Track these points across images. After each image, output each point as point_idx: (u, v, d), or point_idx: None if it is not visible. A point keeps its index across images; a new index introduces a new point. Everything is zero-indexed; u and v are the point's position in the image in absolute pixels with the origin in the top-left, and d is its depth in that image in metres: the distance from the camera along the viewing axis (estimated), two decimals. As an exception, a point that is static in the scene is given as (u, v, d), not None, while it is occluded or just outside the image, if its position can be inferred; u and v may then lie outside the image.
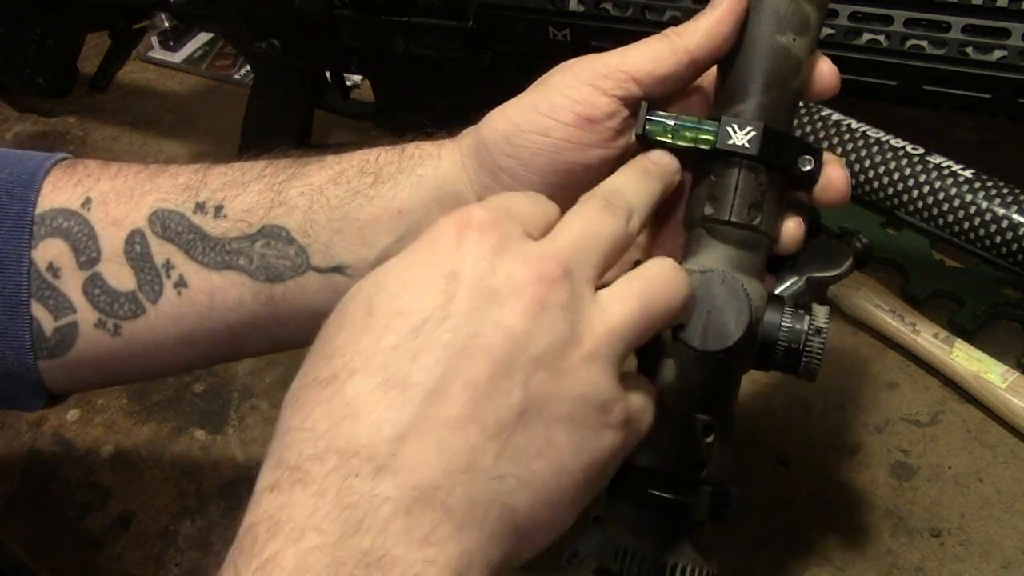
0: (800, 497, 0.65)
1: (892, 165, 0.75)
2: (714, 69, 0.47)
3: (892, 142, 0.76)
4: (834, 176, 0.46)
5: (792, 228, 0.47)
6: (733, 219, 0.44)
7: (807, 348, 0.43)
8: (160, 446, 0.72)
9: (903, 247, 0.77)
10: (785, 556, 0.62)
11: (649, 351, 0.45)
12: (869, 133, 0.77)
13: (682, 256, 0.46)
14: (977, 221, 0.71)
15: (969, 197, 0.72)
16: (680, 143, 0.45)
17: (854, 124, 0.78)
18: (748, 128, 0.43)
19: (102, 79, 1.03)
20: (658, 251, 0.50)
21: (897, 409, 0.69)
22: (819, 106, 0.80)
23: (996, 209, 0.71)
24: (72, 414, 0.75)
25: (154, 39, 1.11)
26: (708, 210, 0.45)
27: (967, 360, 0.68)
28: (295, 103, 0.84)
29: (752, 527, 0.63)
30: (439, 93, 0.74)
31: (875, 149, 0.76)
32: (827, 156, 0.46)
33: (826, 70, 0.46)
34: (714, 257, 0.44)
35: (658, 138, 0.45)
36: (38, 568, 0.66)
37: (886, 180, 0.75)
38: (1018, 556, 0.61)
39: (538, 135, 0.45)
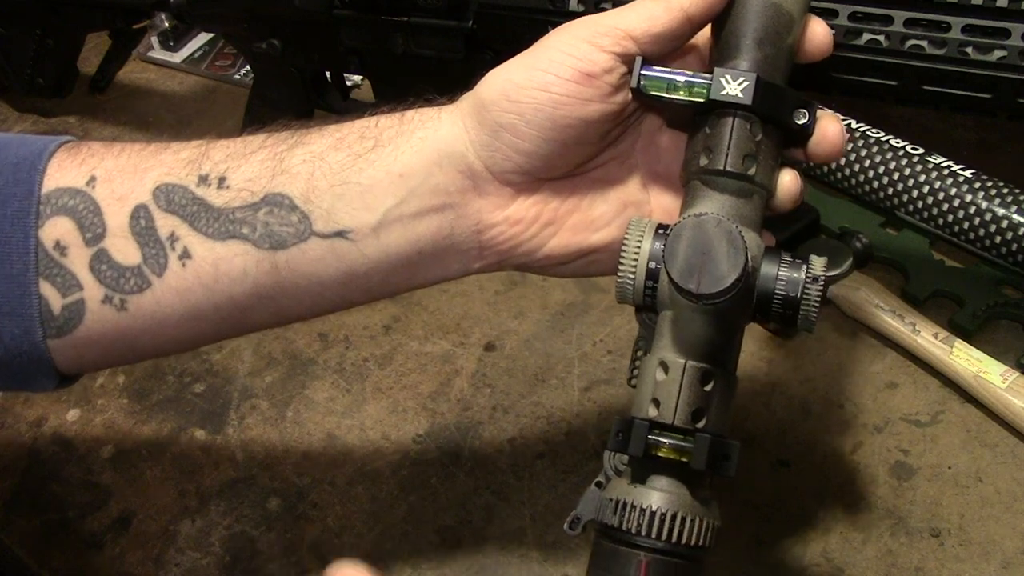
0: (800, 497, 0.65)
1: (892, 165, 0.75)
2: (709, 29, 0.47)
3: (892, 142, 0.76)
4: (829, 129, 0.46)
5: (788, 181, 0.47)
6: (728, 168, 0.44)
7: (804, 296, 0.43)
8: (160, 446, 0.73)
9: (903, 247, 0.77)
10: (785, 556, 0.62)
11: (649, 304, 0.45)
12: (869, 133, 0.77)
13: (680, 210, 0.46)
14: (977, 221, 0.71)
15: (969, 197, 0.72)
16: (675, 96, 0.45)
17: (854, 124, 0.78)
18: (741, 78, 0.44)
19: (102, 79, 1.04)
20: (657, 208, 0.51)
21: (897, 409, 0.69)
22: (819, 106, 0.80)
23: (996, 209, 0.71)
24: (72, 414, 0.75)
25: (154, 39, 1.11)
26: (703, 161, 0.45)
27: (967, 360, 0.68)
28: (295, 103, 0.84)
29: (752, 527, 0.63)
30: (439, 93, 0.74)
31: (875, 149, 0.76)
32: (822, 111, 0.46)
33: (819, 31, 0.47)
34: (710, 206, 0.45)
35: (653, 92, 0.45)
36: (38, 568, 0.66)
37: (886, 180, 0.75)
38: (1018, 556, 0.61)
39: (537, 90, 0.45)
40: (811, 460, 0.67)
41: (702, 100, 0.44)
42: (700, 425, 0.43)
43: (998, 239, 0.71)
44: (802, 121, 0.45)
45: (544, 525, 0.65)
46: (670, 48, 0.47)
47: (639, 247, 0.45)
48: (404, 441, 0.71)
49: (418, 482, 0.68)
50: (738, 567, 0.61)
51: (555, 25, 0.64)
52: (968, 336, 0.71)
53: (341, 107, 0.85)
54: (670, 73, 0.45)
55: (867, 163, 0.76)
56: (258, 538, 0.66)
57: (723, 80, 0.44)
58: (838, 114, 0.48)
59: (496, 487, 0.67)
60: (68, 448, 0.73)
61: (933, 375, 0.70)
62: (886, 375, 0.71)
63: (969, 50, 0.53)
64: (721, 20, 0.46)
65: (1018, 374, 0.67)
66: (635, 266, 0.45)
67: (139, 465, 0.71)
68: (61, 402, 0.75)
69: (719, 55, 0.46)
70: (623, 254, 0.45)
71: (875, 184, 0.76)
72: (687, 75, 0.45)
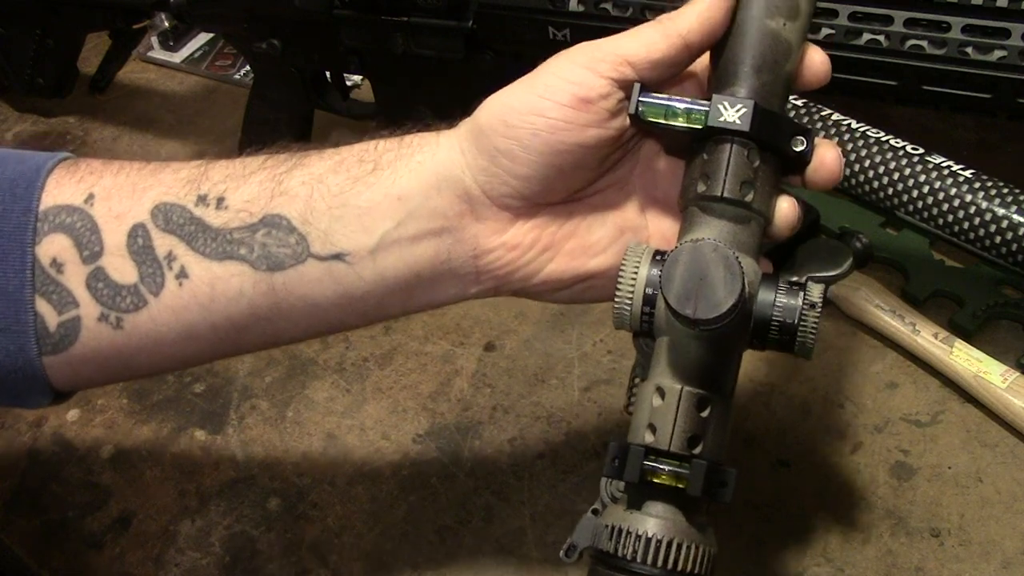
0: (800, 497, 0.65)
1: (892, 165, 0.75)
2: (707, 57, 0.47)
3: (892, 142, 0.76)
4: (827, 156, 0.46)
5: (786, 208, 0.47)
6: (725, 195, 0.44)
7: (802, 323, 0.43)
8: (160, 446, 0.73)
9: (903, 247, 0.77)
10: (785, 556, 0.62)
11: (646, 329, 0.45)
12: (869, 133, 0.77)
13: (678, 237, 0.46)
14: (977, 221, 0.71)
15: (969, 197, 0.72)
16: (673, 122, 0.45)
17: (854, 124, 0.78)
18: (739, 105, 0.44)
19: (102, 79, 1.04)
20: (655, 234, 0.51)
21: (897, 409, 0.69)
22: (819, 106, 0.80)
23: (996, 209, 0.71)
24: (72, 414, 0.75)
25: (154, 39, 1.11)
26: (701, 187, 0.45)
27: (967, 360, 0.68)
28: (295, 103, 0.84)
29: (752, 527, 0.63)
30: (439, 93, 0.74)
31: (875, 149, 0.76)
32: (819, 139, 0.46)
33: (817, 59, 0.47)
34: (707, 232, 0.45)
35: (651, 118, 0.45)
36: (38, 568, 0.66)
37: (886, 180, 0.75)
38: (1018, 556, 0.61)
39: (535, 116, 0.46)
40: (811, 460, 0.67)
41: (700, 127, 0.44)
42: (696, 451, 0.43)
43: (998, 239, 0.71)
44: (800, 148, 0.46)
45: (544, 525, 0.65)
46: (668, 75, 0.47)
47: (636, 273, 0.45)
48: (404, 441, 0.71)
49: (418, 482, 0.68)
50: (738, 567, 0.61)
51: (555, 25, 0.64)
52: (968, 336, 0.71)
53: (341, 107, 0.85)
54: (668, 99, 0.45)
55: (867, 163, 0.76)
56: (258, 538, 0.66)
57: (721, 107, 0.44)
58: (834, 142, 0.48)
59: (496, 487, 0.67)
60: (68, 448, 0.73)
61: (933, 375, 0.70)
62: (886, 375, 0.71)
63: (969, 50, 0.53)
64: (719, 47, 0.46)
65: (1018, 374, 0.67)
66: (632, 292, 0.45)
67: (139, 465, 0.72)
68: (61, 402, 0.76)
69: (717, 82, 0.46)
70: (620, 280, 0.45)
71: (875, 184, 0.76)
72: (685, 101, 0.45)
